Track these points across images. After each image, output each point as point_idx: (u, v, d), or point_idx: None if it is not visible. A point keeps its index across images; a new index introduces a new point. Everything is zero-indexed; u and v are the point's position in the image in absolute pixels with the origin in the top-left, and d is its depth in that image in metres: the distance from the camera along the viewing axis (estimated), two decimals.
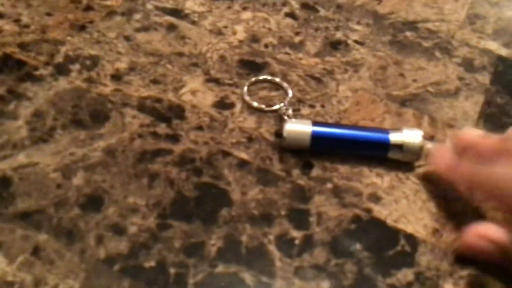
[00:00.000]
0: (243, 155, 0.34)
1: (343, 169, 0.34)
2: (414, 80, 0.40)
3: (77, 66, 0.39)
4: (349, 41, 0.43)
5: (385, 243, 0.30)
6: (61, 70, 0.39)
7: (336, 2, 0.48)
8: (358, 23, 0.46)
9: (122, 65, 0.39)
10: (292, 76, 0.40)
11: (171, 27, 0.43)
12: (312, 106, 0.38)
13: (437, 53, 0.43)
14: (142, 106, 0.37)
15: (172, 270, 0.28)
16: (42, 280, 0.27)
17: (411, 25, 0.46)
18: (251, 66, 0.40)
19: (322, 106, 0.38)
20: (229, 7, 0.46)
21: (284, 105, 0.37)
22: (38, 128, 0.35)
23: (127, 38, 0.42)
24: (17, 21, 0.42)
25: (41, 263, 0.28)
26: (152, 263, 0.28)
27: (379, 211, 0.32)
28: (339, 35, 0.44)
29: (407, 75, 0.41)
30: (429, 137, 0.36)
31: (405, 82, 0.40)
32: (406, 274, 0.29)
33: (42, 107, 0.36)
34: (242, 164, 0.34)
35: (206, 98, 0.38)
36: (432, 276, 0.29)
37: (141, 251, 0.29)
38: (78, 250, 0.29)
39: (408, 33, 0.45)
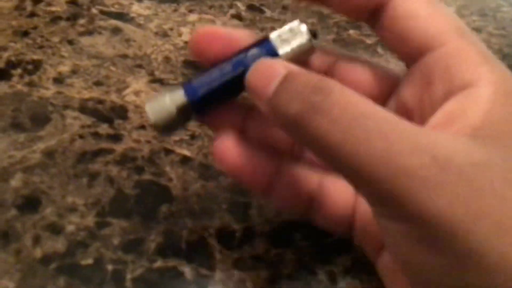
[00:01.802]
0: (186, 152, 0.34)
1: None
2: None
3: (18, 71, 0.39)
4: None
5: (323, 232, 0.31)
6: (2, 75, 0.38)
7: (282, 3, 0.48)
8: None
9: (65, 68, 0.39)
10: None
11: (116, 30, 0.43)
12: None
13: (379, 50, 0.44)
14: (83, 108, 0.36)
15: (109, 267, 0.28)
16: None
17: (355, 24, 0.47)
18: (196, 66, 0.41)
19: None
20: (175, 10, 0.46)
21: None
22: None
23: (70, 42, 0.41)
24: None
25: None
26: (89, 261, 0.28)
27: None
28: None
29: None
30: None
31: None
32: (344, 260, 0.29)
33: None
34: (184, 160, 0.34)
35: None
36: (368, 262, 0.29)
37: (78, 249, 0.29)
38: (13, 250, 0.28)
39: (351, 31, 0.46)
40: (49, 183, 0.32)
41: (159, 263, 0.29)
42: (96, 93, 0.38)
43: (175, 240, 0.30)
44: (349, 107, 0.20)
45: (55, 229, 0.29)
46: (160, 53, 0.42)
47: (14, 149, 0.33)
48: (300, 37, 0.24)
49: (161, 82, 0.39)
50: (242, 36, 0.26)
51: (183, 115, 0.26)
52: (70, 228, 0.30)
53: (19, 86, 0.38)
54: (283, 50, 0.24)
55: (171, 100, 0.26)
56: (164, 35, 0.43)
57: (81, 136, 0.35)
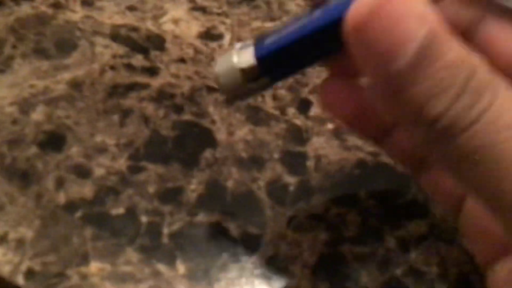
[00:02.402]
0: None
1: None
2: None
3: None
4: None
5: (394, 191, 0.26)
6: None
7: None
8: None
9: None
10: (290, 6, 0.35)
11: None
12: None
13: None
14: (115, 35, 0.32)
15: (143, 219, 0.24)
16: None
17: None
18: None
19: None
20: None
21: None
22: None
23: None
24: None
25: None
26: (120, 210, 0.24)
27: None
28: None
29: None
30: None
31: None
32: (418, 226, 0.25)
33: (0, 34, 0.31)
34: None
35: (191, 28, 0.33)
36: (448, 228, 0.25)
37: (108, 196, 0.25)
38: (33, 194, 0.24)
39: None
40: (75, 118, 0.27)
41: (200, 217, 0.24)
42: (129, 19, 0.33)
43: (219, 192, 0.25)
44: None
45: (82, 172, 0.25)
46: None
47: (37, 78, 0.29)
48: None
49: (203, 10, 0.34)
50: None
51: (253, 80, 0.20)
52: (99, 171, 0.25)
53: (43, 8, 0.33)
54: None
55: (238, 60, 0.19)
56: None
57: (112, 67, 0.30)
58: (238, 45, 0.20)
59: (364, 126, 0.21)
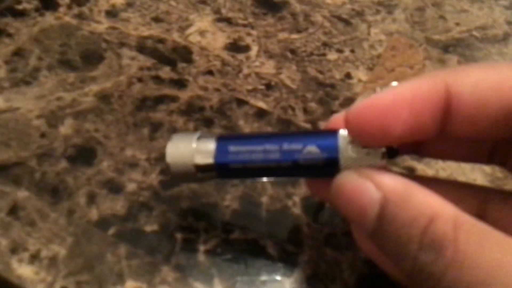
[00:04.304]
0: (261, 104, 0.29)
1: None
2: (457, 24, 0.35)
3: (66, 0, 0.33)
4: None
5: None
6: (48, 4, 0.33)
7: None
8: None
9: (119, 0, 0.34)
10: (316, 17, 0.34)
11: None
12: (340, 51, 0.32)
13: None
14: (142, 47, 0.31)
15: (178, 235, 0.23)
16: (21, 245, 0.22)
17: None
18: (267, 5, 0.35)
19: (352, 51, 0.32)
20: None
21: None
22: (19, 69, 0.29)
23: None
24: None
25: (20, 225, 0.23)
26: (154, 227, 0.24)
27: (423, 169, 0.27)
28: None
29: (448, 18, 0.35)
30: None
31: (446, 25, 0.35)
32: None
33: (25, 45, 0.31)
34: (260, 113, 0.29)
35: (217, 39, 0.32)
36: None
37: (141, 212, 0.24)
38: (65, 210, 0.24)
39: None
40: (104, 131, 0.27)
41: (236, 234, 0.24)
42: (155, 30, 0.32)
43: (253, 208, 0.25)
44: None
45: (114, 187, 0.25)
46: None
47: (63, 90, 0.28)
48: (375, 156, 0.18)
49: (228, 21, 0.33)
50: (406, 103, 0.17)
51: (204, 172, 0.20)
52: (131, 186, 0.25)
53: (67, 18, 0.32)
54: (346, 158, 0.18)
55: (197, 153, 0.20)
56: None
57: (140, 79, 0.29)
58: (196, 134, 0.21)
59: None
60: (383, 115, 0.16)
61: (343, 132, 0.18)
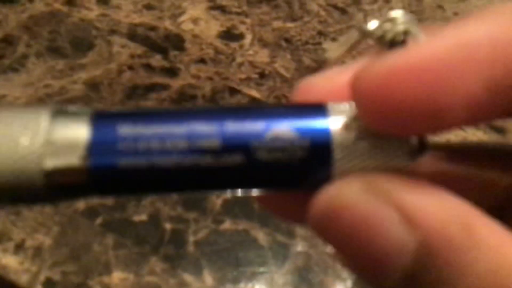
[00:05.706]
0: (254, 93, 0.28)
1: None
2: (455, 13, 0.34)
3: None
4: None
5: None
6: None
7: None
8: None
9: None
10: (311, 6, 0.34)
11: None
12: (335, 40, 0.32)
13: None
14: (133, 34, 0.31)
15: (167, 225, 0.23)
16: (5, 235, 0.22)
17: None
18: None
19: None
20: None
21: None
22: (7, 56, 0.29)
23: None
24: None
25: (4, 214, 0.22)
26: (143, 217, 0.23)
27: None
28: None
29: (446, 8, 0.35)
30: None
31: (444, 14, 0.34)
32: None
33: (13, 31, 0.30)
34: (253, 102, 0.28)
35: (210, 27, 0.32)
36: None
37: (130, 202, 0.23)
38: None
39: None
40: None
41: (227, 225, 0.23)
42: (147, 18, 0.32)
43: (244, 198, 0.24)
44: None
45: None
46: None
47: (52, 78, 0.28)
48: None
49: (222, 9, 0.33)
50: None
51: (63, 186, 0.09)
52: None
53: (57, 5, 0.32)
54: (343, 153, 0.10)
55: (50, 147, 0.09)
56: None
57: (130, 67, 0.29)
58: (47, 108, 0.09)
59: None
60: (440, 78, 0.08)
61: (337, 107, 0.10)
